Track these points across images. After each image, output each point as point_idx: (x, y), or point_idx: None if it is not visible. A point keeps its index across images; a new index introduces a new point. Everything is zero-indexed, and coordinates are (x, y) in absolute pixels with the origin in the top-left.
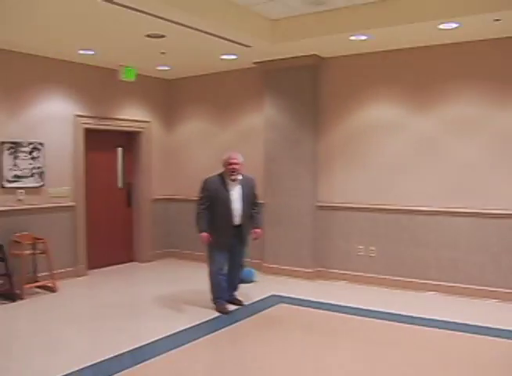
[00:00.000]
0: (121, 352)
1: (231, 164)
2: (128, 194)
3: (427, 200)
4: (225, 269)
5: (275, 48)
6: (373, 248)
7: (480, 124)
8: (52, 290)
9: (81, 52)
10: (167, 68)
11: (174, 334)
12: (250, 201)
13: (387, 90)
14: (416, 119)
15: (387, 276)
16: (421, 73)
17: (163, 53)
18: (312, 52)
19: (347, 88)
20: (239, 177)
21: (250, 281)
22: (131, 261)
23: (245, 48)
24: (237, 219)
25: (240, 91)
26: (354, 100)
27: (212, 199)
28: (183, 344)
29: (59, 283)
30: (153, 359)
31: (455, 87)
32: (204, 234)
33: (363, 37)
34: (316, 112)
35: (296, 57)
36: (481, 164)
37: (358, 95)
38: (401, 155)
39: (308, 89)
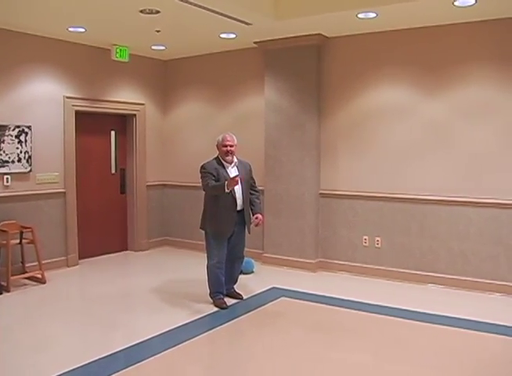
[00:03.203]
0: (114, 351)
1: (226, 145)
2: (122, 180)
3: (437, 188)
4: (224, 261)
5: (278, 26)
6: (378, 239)
7: (494, 110)
8: (40, 281)
9: (71, 29)
10: (162, 48)
11: (169, 330)
12: (249, 186)
13: (396, 72)
14: (425, 103)
15: (393, 269)
16: (432, 54)
17: (158, 31)
18: (317, 31)
19: (354, 69)
20: (235, 159)
21: (250, 272)
22: (125, 250)
23: (245, 26)
24: (239, 203)
25: (240, 72)
26: (360, 83)
27: (215, 179)
28: (179, 343)
29: (49, 274)
30: (147, 360)
31: (468, 69)
32: (230, 179)
33: (372, 15)
34: (320, 95)
35: (299, 36)
36: (494, 151)
37: (365, 77)
38: (409, 141)
39: (311, 71)
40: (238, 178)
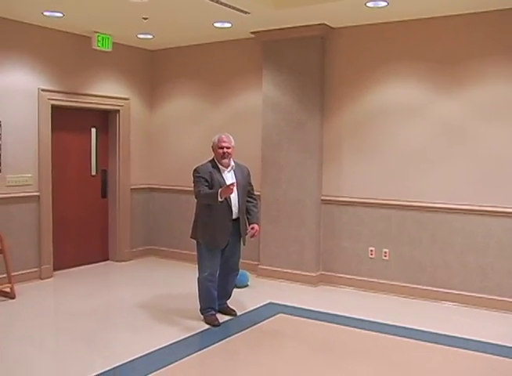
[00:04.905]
0: (93, 374)
1: (222, 147)
2: (103, 183)
3: (452, 196)
4: (217, 274)
5: (278, 15)
6: (386, 250)
7: None
8: (10, 296)
9: (47, 13)
10: (149, 37)
11: (155, 350)
12: (246, 192)
13: (408, 67)
14: (440, 101)
15: (402, 284)
16: (448, 47)
17: (145, 19)
18: (321, 21)
19: (361, 64)
20: (232, 162)
21: (244, 285)
22: (106, 260)
23: (242, 14)
24: (235, 211)
25: (235, 65)
26: (368, 79)
27: (208, 185)
28: (166, 364)
29: (19, 288)
30: None
31: (488, 64)
32: (225, 187)
33: (383, 4)
34: (323, 91)
35: (301, 26)
36: None
37: (373, 72)
38: (421, 143)
39: (314, 65)
40: (233, 187)
